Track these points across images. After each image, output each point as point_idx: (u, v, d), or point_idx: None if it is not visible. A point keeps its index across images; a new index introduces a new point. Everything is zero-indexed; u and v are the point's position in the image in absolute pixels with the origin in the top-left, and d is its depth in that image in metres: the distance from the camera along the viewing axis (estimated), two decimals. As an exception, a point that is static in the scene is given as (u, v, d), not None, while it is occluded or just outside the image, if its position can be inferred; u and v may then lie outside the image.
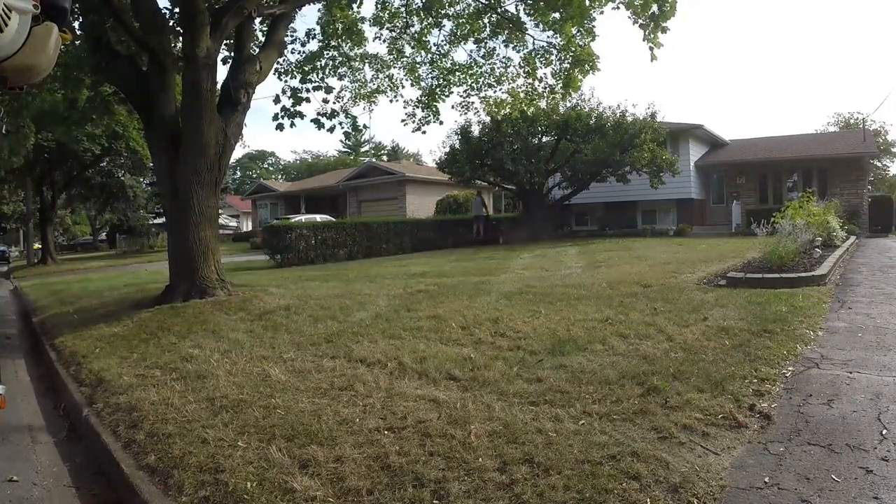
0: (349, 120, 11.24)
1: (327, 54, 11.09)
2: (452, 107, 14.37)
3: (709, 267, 8.82)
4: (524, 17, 10.59)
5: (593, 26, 9.69)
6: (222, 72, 8.36)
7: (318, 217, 22.95)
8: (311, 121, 10.58)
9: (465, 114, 12.49)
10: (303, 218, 22.02)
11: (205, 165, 7.30)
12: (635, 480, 2.22)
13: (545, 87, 11.04)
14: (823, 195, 18.37)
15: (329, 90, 10.75)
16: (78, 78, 9.50)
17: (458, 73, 11.58)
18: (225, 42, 8.54)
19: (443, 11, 11.00)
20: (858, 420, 2.82)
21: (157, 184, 13.58)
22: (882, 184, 37.39)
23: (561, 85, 10.58)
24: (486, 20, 11.02)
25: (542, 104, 13.60)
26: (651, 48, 8.40)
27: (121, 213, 34.12)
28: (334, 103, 11.20)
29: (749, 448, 2.57)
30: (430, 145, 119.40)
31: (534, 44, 10.76)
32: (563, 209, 24.62)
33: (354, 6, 10.82)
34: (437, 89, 11.67)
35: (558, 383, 3.37)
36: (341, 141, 61.11)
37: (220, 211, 8.85)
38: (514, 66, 11.27)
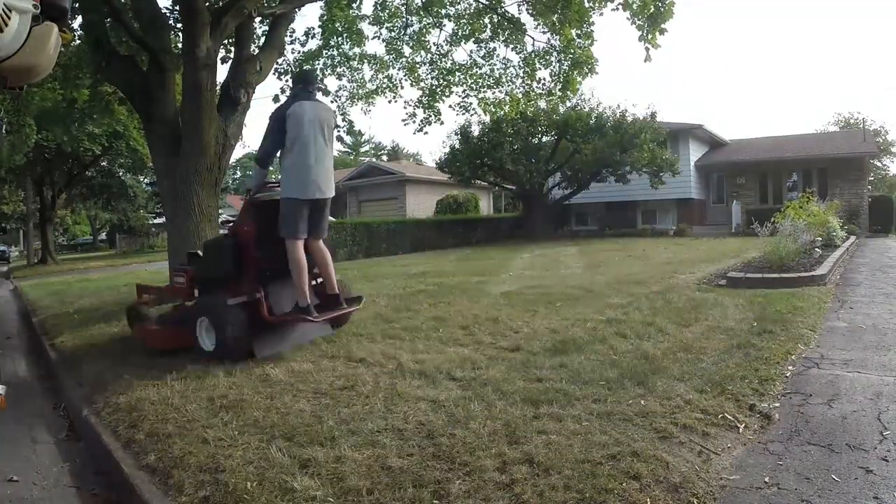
0: (346, 123, 11.23)
1: (326, 53, 11.09)
2: (451, 107, 14.40)
3: (709, 267, 8.82)
4: (525, 18, 10.62)
5: (592, 30, 9.71)
6: (222, 72, 8.37)
7: (318, 217, 22.91)
8: (309, 121, 10.56)
9: (465, 114, 12.54)
10: (303, 218, 21.97)
11: (205, 165, 7.29)
12: (635, 480, 2.22)
13: (543, 88, 11.05)
14: (823, 195, 18.37)
15: (326, 93, 10.76)
16: (78, 78, 9.51)
17: (457, 74, 11.58)
18: (225, 42, 8.54)
19: (443, 11, 11.00)
20: (858, 420, 2.82)
21: (156, 184, 13.58)
22: (882, 184, 37.35)
23: (559, 87, 10.59)
24: (486, 20, 11.03)
25: (542, 104, 13.63)
26: (648, 49, 8.42)
27: (121, 212, 34.12)
28: (332, 102, 11.21)
29: (749, 448, 2.57)
30: (430, 145, 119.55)
31: (534, 45, 10.77)
32: (563, 209, 24.64)
33: (354, 5, 10.83)
34: (438, 89, 11.67)
35: (558, 383, 3.37)
36: (339, 141, 61.04)
37: (220, 211, 8.85)
38: (513, 67, 11.29)
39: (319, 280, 4.72)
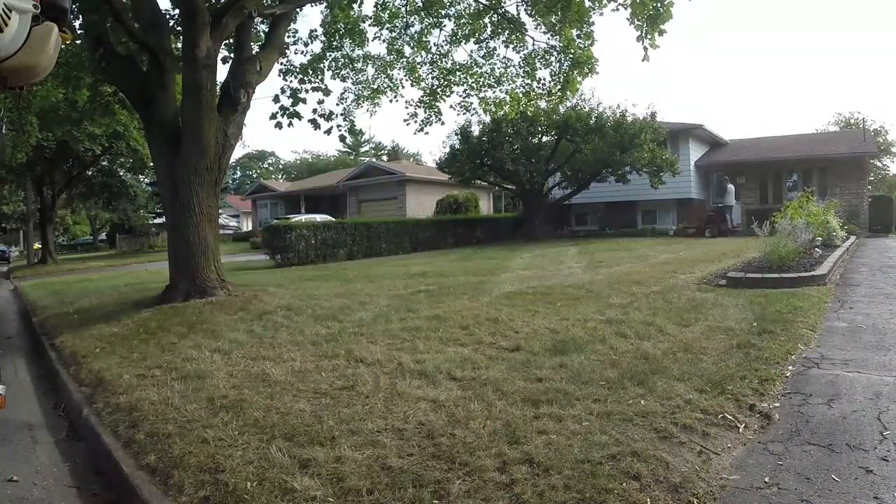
0: (346, 123, 11.23)
1: (330, 55, 11.10)
2: (451, 107, 14.47)
3: (709, 267, 8.82)
4: (525, 18, 10.62)
5: (592, 30, 9.72)
6: (222, 72, 8.37)
7: (318, 217, 22.95)
8: (309, 121, 10.55)
9: (465, 114, 12.57)
10: (303, 218, 22.02)
11: (205, 165, 7.30)
12: (635, 480, 2.22)
13: (543, 88, 11.05)
14: (823, 195, 18.37)
15: (327, 92, 10.74)
16: (78, 78, 9.51)
17: (458, 73, 11.59)
18: (225, 42, 8.54)
19: (443, 11, 11.01)
20: (858, 420, 2.82)
21: (157, 184, 13.60)
22: (882, 184, 37.36)
23: (560, 87, 10.59)
24: (486, 20, 11.03)
25: (542, 104, 13.65)
26: (646, 49, 8.42)
27: (122, 212, 34.12)
28: (337, 105, 11.27)
29: (749, 448, 2.57)
30: (430, 145, 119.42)
31: (534, 44, 10.77)
32: (563, 209, 24.63)
33: (355, 6, 10.83)
34: (438, 89, 11.68)
35: (559, 383, 3.37)
36: (341, 141, 61.00)
37: (220, 211, 8.85)
38: (513, 67, 11.30)
39: None
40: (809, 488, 2.19)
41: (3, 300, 12.22)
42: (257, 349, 4.66)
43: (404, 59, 11.69)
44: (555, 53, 10.46)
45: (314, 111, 10.57)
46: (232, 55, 8.79)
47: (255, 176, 63.81)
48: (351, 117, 11.45)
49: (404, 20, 11.33)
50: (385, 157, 54.80)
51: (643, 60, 8.64)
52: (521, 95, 11.36)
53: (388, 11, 11.23)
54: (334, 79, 11.38)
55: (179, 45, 8.59)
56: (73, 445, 3.53)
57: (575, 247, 15.91)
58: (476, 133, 21.62)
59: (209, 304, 6.72)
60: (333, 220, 21.68)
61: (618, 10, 8.84)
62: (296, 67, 10.75)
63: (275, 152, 71.84)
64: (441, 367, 3.81)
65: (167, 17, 8.77)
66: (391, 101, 12.50)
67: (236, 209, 50.56)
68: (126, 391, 3.78)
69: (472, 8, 11.02)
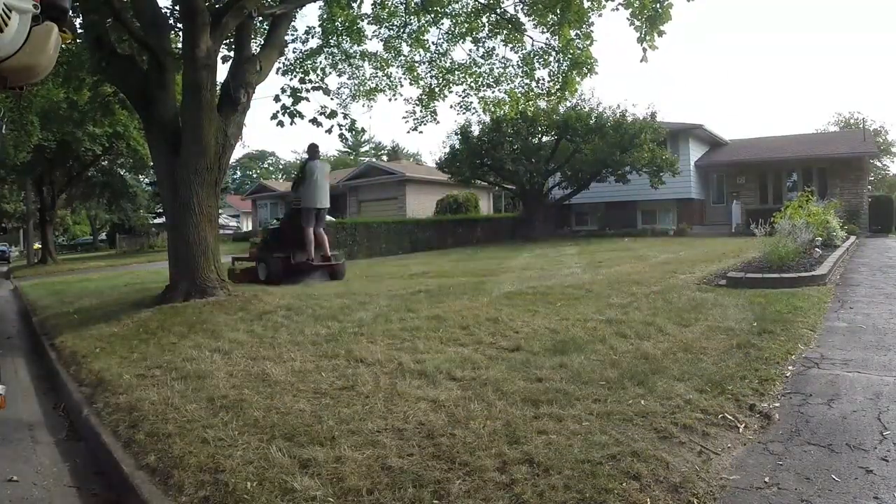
0: (347, 121, 11.23)
1: (327, 51, 11.11)
2: (451, 106, 14.52)
3: (709, 267, 8.81)
4: (523, 18, 10.61)
5: (591, 31, 9.71)
6: (222, 72, 8.37)
7: (318, 217, 22.89)
8: (310, 121, 10.55)
9: (464, 114, 12.63)
10: (303, 218, 21.95)
11: (205, 165, 7.29)
12: (635, 480, 2.22)
13: (542, 88, 11.05)
14: (823, 195, 18.39)
15: (327, 92, 10.73)
16: (80, 78, 9.51)
17: (457, 73, 11.59)
18: (225, 42, 8.54)
19: (441, 10, 11.01)
20: (858, 420, 2.82)
21: (157, 184, 13.60)
22: (882, 184, 37.39)
23: (559, 87, 10.58)
24: (484, 19, 11.03)
25: (542, 104, 13.66)
26: (645, 50, 8.41)
27: (122, 212, 34.16)
28: (332, 99, 11.29)
29: (749, 448, 2.57)
30: (430, 145, 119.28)
31: (532, 44, 10.77)
32: (563, 209, 24.66)
33: (354, 5, 10.83)
34: (437, 88, 11.68)
35: (558, 383, 3.37)
36: (341, 140, 61.05)
37: (220, 211, 8.88)
38: (512, 67, 11.30)
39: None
40: (809, 488, 2.19)
41: (3, 300, 12.23)
42: (257, 349, 4.66)
43: (402, 58, 11.71)
44: (553, 54, 10.45)
45: (317, 112, 10.59)
46: (232, 55, 8.79)
47: (255, 176, 63.84)
48: (349, 115, 11.48)
49: (402, 18, 11.33)
50: (385, 157, 54.78)
51: (641, 62, 8.64)
52: (519, 95, 11.36)
53: (386, 10, 11.23)
54: (330, 73, 11.41)
55: (179, 45, 8.59)
56: (73, 445, 3.53)
57: (575, 247, 15.92)
58: (476, 133, 21.67)
59: (209, 304, 6.71)
60: (333, 220, 21.67)
61: (617, 9, 8.83)
62: (295, 66, 10.75)
63: (275, 152, 71.94)
64: (441, 367, 3.81)
65: (167, 16, 8.77)
66: (390, 99, 12.56)
67: (236, 209, 50.58)
68: (126, 391, 3.78)
69: (471, 7, 11.02)
